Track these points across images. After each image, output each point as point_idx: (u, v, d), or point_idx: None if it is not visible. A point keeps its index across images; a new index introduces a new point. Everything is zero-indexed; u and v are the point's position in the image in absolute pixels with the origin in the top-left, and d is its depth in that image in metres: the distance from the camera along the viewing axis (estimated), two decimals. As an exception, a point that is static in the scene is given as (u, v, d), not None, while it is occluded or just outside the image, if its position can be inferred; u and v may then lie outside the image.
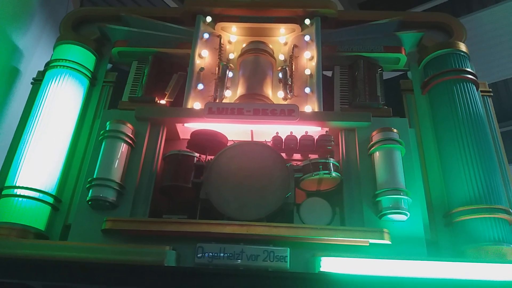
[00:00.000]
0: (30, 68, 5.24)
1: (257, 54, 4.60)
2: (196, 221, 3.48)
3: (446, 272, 3.05)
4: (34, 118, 4.09)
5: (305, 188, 3.90)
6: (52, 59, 4.53)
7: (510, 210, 3.64)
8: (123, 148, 3.85)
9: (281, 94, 4.40)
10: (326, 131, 4.08)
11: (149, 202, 3.74)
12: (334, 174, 3.71)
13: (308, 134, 4.04)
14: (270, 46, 4.75)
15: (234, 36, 4.92)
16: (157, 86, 4.52)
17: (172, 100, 4.44)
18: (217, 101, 4.31)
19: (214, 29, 4.86)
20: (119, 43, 4.80)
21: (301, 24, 4.81)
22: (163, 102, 4.41)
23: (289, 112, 3.98)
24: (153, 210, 3.78)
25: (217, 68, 4.53)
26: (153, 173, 3.89)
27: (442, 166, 4.02)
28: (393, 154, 3.75)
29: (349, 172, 3.85)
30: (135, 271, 3.13)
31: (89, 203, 3.63)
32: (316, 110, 4.18)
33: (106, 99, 4.62)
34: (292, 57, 4.61)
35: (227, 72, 4.46)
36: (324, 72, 4.63)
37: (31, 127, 4.05)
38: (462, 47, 4.53)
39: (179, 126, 4.23)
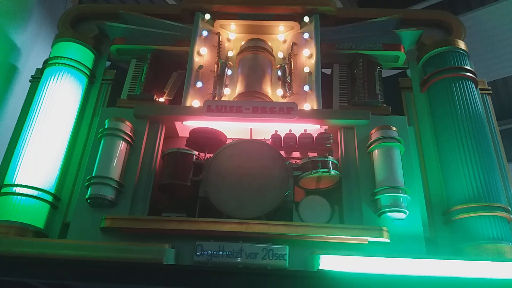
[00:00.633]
0: (28, 65, 5.23)
1: (256, 52, 4.59)
2: (195, 219, 3.48)
3: (445, 270, 3.06)
4: (33, 116, 4.08)
5: (304, 186, 3.90)
6: (50, 56, 4.52)
7: (509, 208, 3.65)
8: (122, 146, 3.84)
9: (280, 92, 4.40)
10: (325, 129, 4.08)
11: (148, 200, 3.74)
12: (333, 172, 3.71)
13: (307, 132, 4.04)
14: (269, 43, 4.74)
15: (233, 33, 4.91)
16: (155, 83, 4.51)
17: (171, 98, 4.43)
18: (216, 99, 4.31)
19: (212, 26, 4.85)
20: (118, 40, 4.79)
21: (300, 21, 4.80)
22: (162, 100, 4.40)
23: (288, 110, 3.98)
24: (152, 208, 3.77)
25: (216, 66, 4.52)
26: (152, 171, 3.88)
27: (441, 164, 4.02)
28: (392, 152, 3.75)
29: (348, 170, 3.85)
30: (134, 269, 3.12)
31: (88, 201, 3.62)
32: (315, 108, 4.18)
33: (105, 97, 4.61)
34: (291, 55, 4.61)
35: (226, 70, 4.46)
36: (323, 70, 4.62)
37: (30, 125, 4.04)
38: (461, 45, 4.53)
39: (178, 124, 4.22)
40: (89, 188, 3.63)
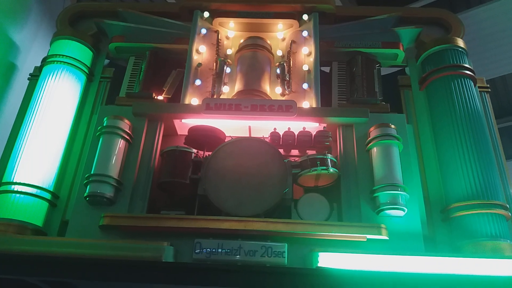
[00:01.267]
0: (27, 63, 5.22)
1: (255, 50, 4.59)
2: (194, 217, 3.48)
3: (443, 268, 3.06)
4: (31, 114, 4.07)
5: (303, 184, 3.91)
6: (49, 54, 4.51)
7: (507, 205, 3.66)
8: (120, 144, 3.84)
9: (279, 90, 4.40)
10: (324, 127, 4.08)
11: (147, 198, 3.74)
12: (331, 170, 3.72)
13: (306, 130, 4.04)
14: (268, 41, 4.73)
15: (231, 31, 4.90)
16: (154, 81, 4.51)
17: (170, 96, 4.43)
18: (214, 97, 4.31)
19: (211, 24, 4.84)
20: (116, 38, 4.78)
21: (299, 19, 4.80)
22: (160, 98, 4.40)
23: (286, 108, 3.98)
24: (151, 206, 3.77)
25: (214, 63, 4.52)
26: (150, 169, 3.88)
27: (439, 162, 4.03)
28: (391, 150, 3.76)
29: (346, 168, 3.85)
30: (133, 267, 3.13)
31: (87, 199, 3.62)
32: (314, 106, 4.18)
33: (104, 94, 4.60)
34: (290, 53, 4.60)
35: (225, 67, 4.45)
36: (322, 68, 4.63)
37: (28, 123, 4.03)
38: (460, 43, 4.53)
39: (176, 122, 4.22)
40: (88, 186, 3.63)
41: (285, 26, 4.85)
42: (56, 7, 5.69)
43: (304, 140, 3.99)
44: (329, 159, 3.75)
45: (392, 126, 3.88)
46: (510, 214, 3.65)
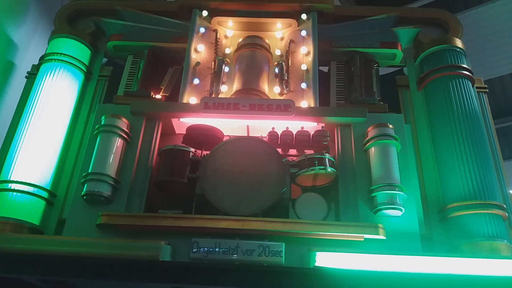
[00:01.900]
0: (24, 61, 5.20)
1: (253, 49, 4.59)
2: (191, 216, 3.48)
3: (441, 267, 3.07)
4: (29, 112, 4.06)
5: (301, 183, 3.91)
6: (47, 52, 4.50)
7: (504, 206, 3.67)
8: (118, 142, 3.83)
9: (277, 89, 4.40)
10: (322, 127, 4.08)
11: (144, 197, 3.73)
12: (329, 169, 3.72)
13: (304, 129, 4.04)
14: (267, 41, 4.73)
15: (230, 30, 4.90)
16: (152, 80, 4.50)
17: (167, 94, 4.42)
18: (213, 96, 4.30)
19: (210, 23, 4.83)
20: (114, 37, 4.77)
21: (298, 19, 4.80)
22: (158, 96, 4.39)
23: (285, 108, 3.98)
24: (149, 205, 3.77)
25: (213, 62, 4.51)
26: (148, 168, 3.87)
27: (437, 162, 4.03)
28: (389, 149, 3.76)
29: (344, 168, 3.86)
30: (130, 266, 3.12)
31: (84, 197, 3.61)
32: (312, 105, 4.18)
33: (101, 93, 4.61)
34: (289, 52, 4.60)
35: (223, 66, 4.45)
36: (320, 68, 4.63)
37: (26, 121, 4.02)
38: (458, 43, 4.54)
39: (174, 121, 4.22)
40: (85, 185, 3.62)
41: (283, 25, 4.85)
42: (54, 5, 5.67)
43: (302, 139, 3.99)
44: (327, 159, 3.76)
45: (390, 126, 3.88)
46: (507, 214, 3.67)
